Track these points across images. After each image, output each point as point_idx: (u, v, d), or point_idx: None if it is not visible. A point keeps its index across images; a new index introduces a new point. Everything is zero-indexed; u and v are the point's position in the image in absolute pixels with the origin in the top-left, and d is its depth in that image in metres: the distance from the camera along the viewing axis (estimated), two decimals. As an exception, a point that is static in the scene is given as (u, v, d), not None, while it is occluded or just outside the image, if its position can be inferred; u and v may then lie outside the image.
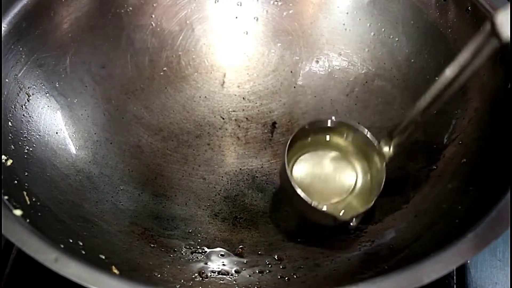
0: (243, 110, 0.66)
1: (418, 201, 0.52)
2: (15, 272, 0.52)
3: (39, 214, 0.45)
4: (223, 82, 0.66)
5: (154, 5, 0.62)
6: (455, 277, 0.52)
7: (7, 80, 0.50)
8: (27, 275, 0.51)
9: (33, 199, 0.46)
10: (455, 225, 0.43)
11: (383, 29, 0.60)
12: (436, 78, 0.43)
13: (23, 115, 0.51)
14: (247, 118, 0.65)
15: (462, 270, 0.54)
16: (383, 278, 0.36)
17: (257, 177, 0.61)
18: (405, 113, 0.57)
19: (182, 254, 0.52)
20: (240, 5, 0.65)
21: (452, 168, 0.51)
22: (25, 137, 0.51)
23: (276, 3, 0.64)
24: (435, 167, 0.53)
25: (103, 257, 0.46)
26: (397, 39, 0.60)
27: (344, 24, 0.62)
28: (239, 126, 0.65)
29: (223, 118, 0.65)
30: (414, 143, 0.56)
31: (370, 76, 0.62)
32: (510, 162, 0.43)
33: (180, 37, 0.64)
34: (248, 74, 0.66)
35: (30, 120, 0.52)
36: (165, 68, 0.64)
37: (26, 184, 0.47)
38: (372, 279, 0.36)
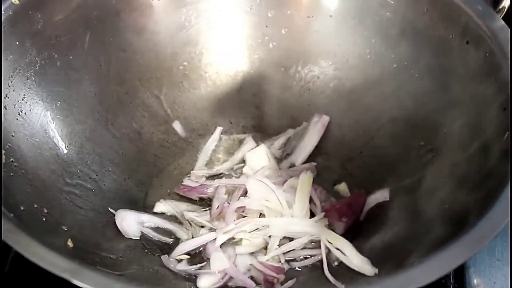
0: (253, 118, 0.65)
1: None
2: (14, 270, 0.52)
3: (11, 174, 0.46)
4: (240, 88, 0.65)
5: (187, -1, 0.63)
6: (451, 278, 0.52)
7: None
8: (25, 273, 0.51)
9: (11, 160, 0.47)
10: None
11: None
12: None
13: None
14: (254, 127, 0.65)
15: (461, 270, 0.53)
16: (383, 278, 0.36)
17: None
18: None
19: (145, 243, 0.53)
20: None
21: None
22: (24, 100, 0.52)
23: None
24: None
25: (65, 228, 0.47)
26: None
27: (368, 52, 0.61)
28: (244, 133, 0.65)
29: (231, 123, 0.65)
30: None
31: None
32: (509, 162, 0.42)
33: (206, 35, 0.64)
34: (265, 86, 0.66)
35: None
36: (185, 63, 0.64)
37: (9, 144, 0.48)
38: (372, 279, 0.37)
